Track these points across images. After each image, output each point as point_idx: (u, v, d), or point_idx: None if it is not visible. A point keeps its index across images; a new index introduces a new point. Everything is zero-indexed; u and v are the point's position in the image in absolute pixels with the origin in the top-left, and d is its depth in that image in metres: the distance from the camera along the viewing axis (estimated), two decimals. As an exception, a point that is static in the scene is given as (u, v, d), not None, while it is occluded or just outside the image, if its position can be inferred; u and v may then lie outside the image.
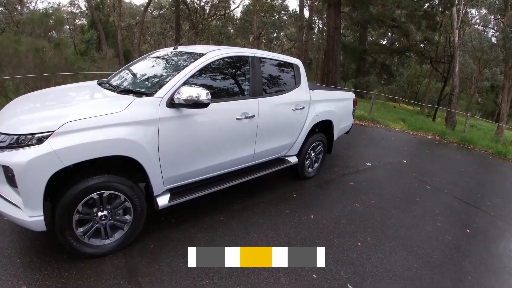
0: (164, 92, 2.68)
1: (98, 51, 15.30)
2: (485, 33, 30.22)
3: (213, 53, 3.15)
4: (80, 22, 30.13)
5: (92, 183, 2.37)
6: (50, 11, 21.40)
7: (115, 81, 3.36)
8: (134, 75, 3.43)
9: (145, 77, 3.25)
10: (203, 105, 2.67)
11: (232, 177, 3.44)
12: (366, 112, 11.75)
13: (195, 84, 2.85)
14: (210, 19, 21.75)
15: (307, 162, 4.55)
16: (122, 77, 3.44)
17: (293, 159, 4.22)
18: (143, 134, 2.50)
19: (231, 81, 3.40)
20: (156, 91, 2.69)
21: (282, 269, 2.73)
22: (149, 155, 2.57)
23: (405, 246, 3.42)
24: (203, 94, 2.60)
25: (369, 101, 13.91)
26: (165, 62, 3.44)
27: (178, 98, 2.63)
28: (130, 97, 2.63)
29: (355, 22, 20.33)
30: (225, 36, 22.32)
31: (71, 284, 2.35)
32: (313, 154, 4.64)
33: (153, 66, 3.47)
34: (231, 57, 3.37)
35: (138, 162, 2.53)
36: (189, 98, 2.60)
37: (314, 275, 2.73)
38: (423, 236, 3.69)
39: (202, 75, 3.04)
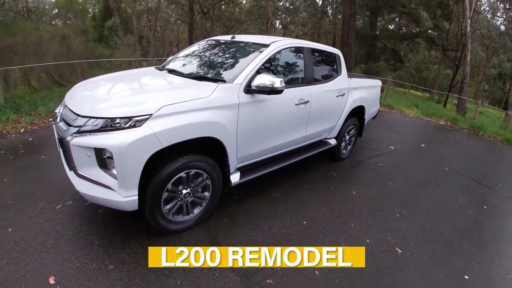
0: (241, 79, 2.92)
1: (117, 38, 15.51)
2: (494, 21, 30.03)
3: (276, 43, 3.44)
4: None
5: (182, 162, 2.54)
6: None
7: (177, 67, 3.55)
8: (198, 61, 3.67)
9: (214, 64, 3.49)
10: (278, 91, 2.93)
11: (287, 157, 3.79)
12: (381, 98, 12.03)
13: (263, 72, 3.05)
14: (219, 4, 21.63)
15: (342, 144, 4.93)
16: (186, 64, 3.66)
17: (333, 141, 4.59)
18: (226, 117, 2.75)
19: (290, 69, 3.71)
20: (234, 78, 2.93)
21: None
22: (230, 137, 2.83)
23: (436, 218, 3.86)
24: (277, 81, 2.84)
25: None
26: (226, 50, 3.68)
27: (254, 85, 2.88)
28: (213, 83, 2.83)
29: (368, 8, 20.38)
30: (239, 22, 22.19)
31: (159, 260, 2.49)
32: (347, 137, 5.00)
33: (214, 54, 3.72)
34: (290, 48, 3.66)
35: (220, 142, 2.76)
36: (262, 85, 2.85)
37: (368, 240, 3.16)
38: (448, 210, 4.13)
39: (268, 64, 3.32)
